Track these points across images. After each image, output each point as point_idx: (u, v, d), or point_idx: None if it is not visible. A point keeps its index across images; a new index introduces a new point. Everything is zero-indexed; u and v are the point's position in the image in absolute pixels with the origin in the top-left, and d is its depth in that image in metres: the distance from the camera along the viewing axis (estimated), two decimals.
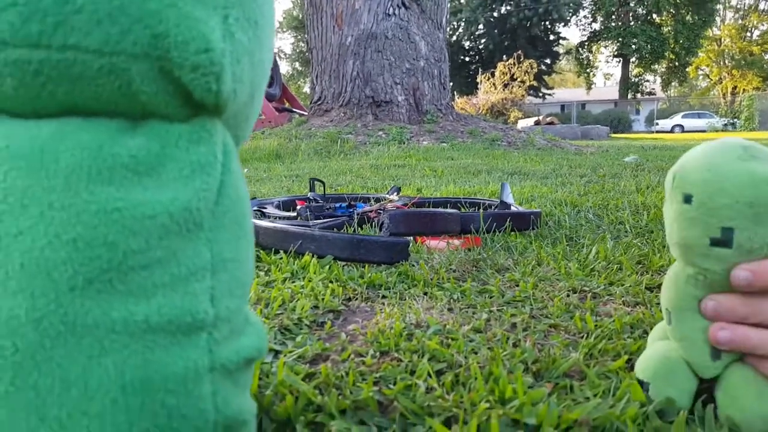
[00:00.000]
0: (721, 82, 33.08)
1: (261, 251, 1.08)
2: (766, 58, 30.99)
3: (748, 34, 32.86)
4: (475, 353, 0.63)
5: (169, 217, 0.30)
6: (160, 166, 0.31)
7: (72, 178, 0.29)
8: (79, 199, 0.28)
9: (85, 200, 0.28)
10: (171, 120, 0.32)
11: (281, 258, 1.03)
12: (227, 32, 0.32)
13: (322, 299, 0.81)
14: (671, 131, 24.96)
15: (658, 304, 0.79)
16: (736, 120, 22.22)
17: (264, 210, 1.56)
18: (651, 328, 0.69)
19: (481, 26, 28.60)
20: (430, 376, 0.56)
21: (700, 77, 36.48)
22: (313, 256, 1.02)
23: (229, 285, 0.33)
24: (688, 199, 0.45)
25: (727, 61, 32.93)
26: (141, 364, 0.29)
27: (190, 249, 0.31)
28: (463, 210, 1.67)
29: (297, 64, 35.92)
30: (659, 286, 0.85)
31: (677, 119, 26.65)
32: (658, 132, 24.42)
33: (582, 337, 0.68)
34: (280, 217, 1.46)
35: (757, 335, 0.46)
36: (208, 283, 0.32)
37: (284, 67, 35.92)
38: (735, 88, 31.63)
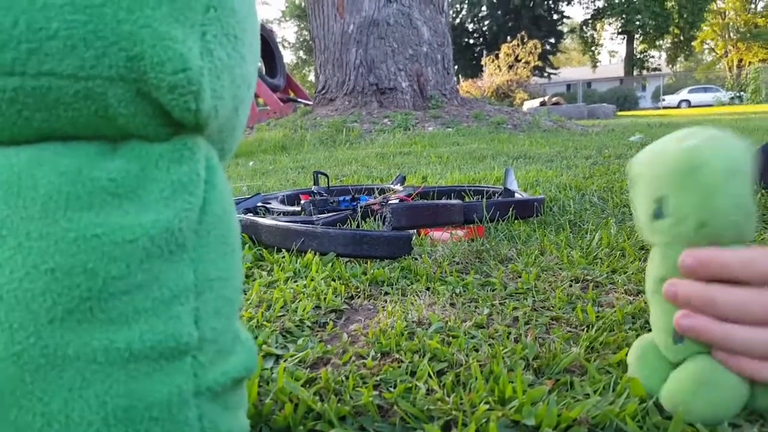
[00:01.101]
0: (727, 56, 32.67)
1: (264, 250, 1.08)
2: None
3: (753, 6, 32.36)
4: (476, 351, 0.62)
5: (150, 240, 0.29)
6: (140, 188, 0.30)
7: (50, 205, 0.28)
8: (57, 227, 0.28)
9: (63, 228, 0.28)
10: (151, 140, 0.32)
11: (284, 257, 1.03)
12: (205, 49, 0.31)
13: (325, 299, 0.81)
14: (678, 107, 24.77)
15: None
16: (742, 93, 21.97)
17: (268, 205, 1.55)
18: None
19: (484, 8, 28.40)
20: (431, 377, 0.56)
21: (706, 51, 36.05)
22: (315, 253, 1.02)
23: (215, 305, 0.32)
24: (635, 178, 0.50)
25: (732, 34, 32.49)
26: (124, 393, 0.28)
27: (173, 271, 0.31)
28: (467, 199, 1.66)
29: (301, 53, 35.86)
30: None
31: (684, 94, 26.42)
32: (665, 108, 24.23)
33: (583, 330, 0.67)
34: (284, 213, 1.46)
35: (720, 329, 0.44)
36: (192, 305, 0.31)
37: (288, 56, 35.89)
38: (741, 61, 31.22)
